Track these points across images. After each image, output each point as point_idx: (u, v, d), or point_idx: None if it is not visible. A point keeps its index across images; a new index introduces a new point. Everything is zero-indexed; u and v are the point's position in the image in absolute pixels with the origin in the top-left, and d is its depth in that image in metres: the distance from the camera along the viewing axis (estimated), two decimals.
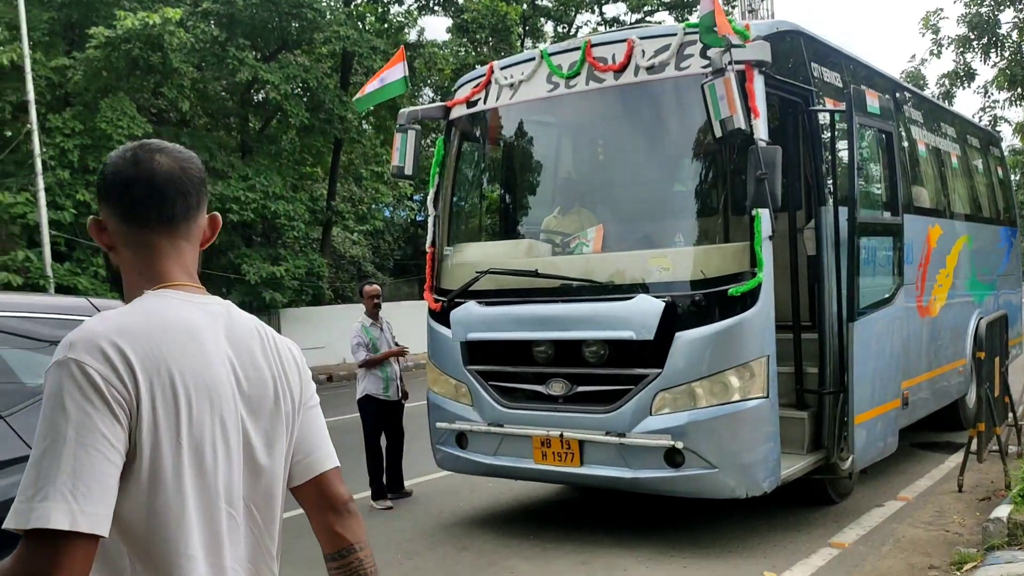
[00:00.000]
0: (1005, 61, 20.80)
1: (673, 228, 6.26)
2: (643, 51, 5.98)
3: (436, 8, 26.38)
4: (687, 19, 5.85)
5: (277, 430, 1.60)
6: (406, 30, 24.16)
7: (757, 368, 5.60)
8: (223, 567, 1.48)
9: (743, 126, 5.24)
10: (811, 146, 6.51)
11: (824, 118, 6.53)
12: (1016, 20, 20.25)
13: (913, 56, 37.59)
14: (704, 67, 5.55)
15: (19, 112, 17.30)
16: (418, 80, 24.72)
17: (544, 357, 6.23)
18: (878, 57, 71.70)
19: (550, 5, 29.81)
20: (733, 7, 25.18)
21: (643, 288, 5.84)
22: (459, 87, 7.13)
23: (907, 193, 7.87)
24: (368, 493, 7.57)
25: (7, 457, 2.50)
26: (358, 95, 7.56)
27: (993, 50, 20.79)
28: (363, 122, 23.40)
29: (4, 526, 1.30)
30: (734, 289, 5.56)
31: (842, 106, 6.39)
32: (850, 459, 6.43)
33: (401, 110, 7.07)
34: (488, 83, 6.78)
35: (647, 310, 5.68)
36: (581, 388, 6.05)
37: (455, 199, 7.31)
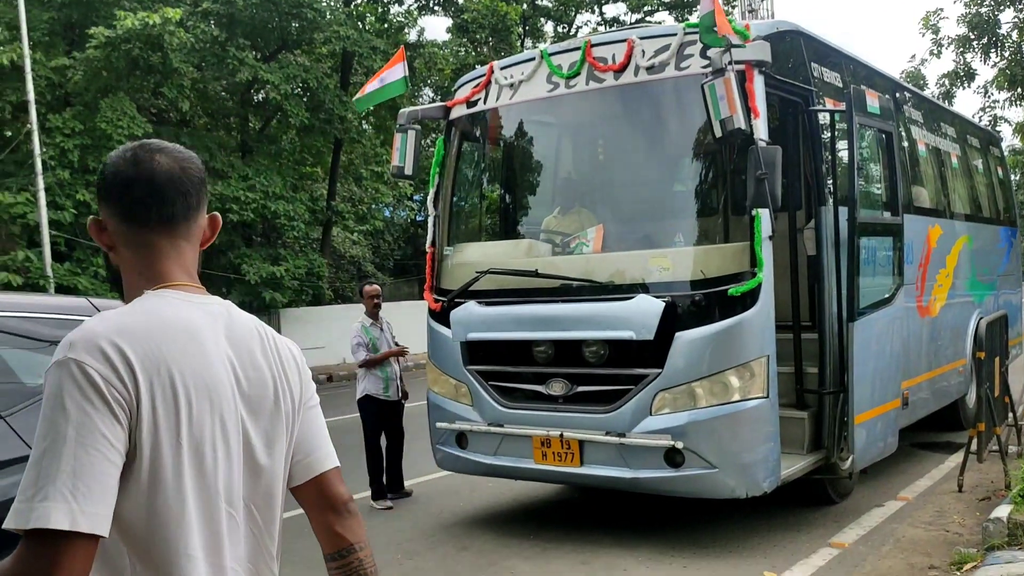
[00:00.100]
0: (1005, 61, 20.79)
1: (673, 228, 6.26)
2: (643, 51, 5.98)
3: (436, 8, 26.38)
4: (687, 19, 5.85)
5: (277, 430, 1.60)
6: (406, 30, 24.16)
7: (757, 368, 5.60)
8: (223, 567, 1.48)
9: (743, 126, 5.24)
10: (811, 146, 6.51)
11: (824, 118, 6.53)
12: (1016, 20, 20.24)
13: (913, 56, 37.56)
14: (704, 67, 5.55)
15: (19, 112, 17.30)
16: (418, 80, 24.72)
17: (544, 357, 6.23)
18: (878, 57, 71.73)
19: (550, 5, 29.81)
20: (733, 7, 25.18)
21: (643, 288, 5.84)
22: (459, 87, 7.13)
23: (907, 193, 7.87)
24: (368, 493, 7.58)
25: (7, 457, 2.50)
26: (358, 95, 7.56)
27: (993, 50, 20.79)
28: (363, 122, 23.40)
29: (4, 526, 1.30)
30: (734, 289, 5.56)
31: (842, 106, 6.39)
32: (850, 459, 6.43)
33: (401, 110, 7.07)
34: (488, 83, 6.78)
35: (647, 310, 5.68)
36: (581, 388, 6.05)
37: (455, 199, 7.31)
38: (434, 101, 21.65)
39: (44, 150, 16.59)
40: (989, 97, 22.72)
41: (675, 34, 5.93)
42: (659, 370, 5.71)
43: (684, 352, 5.65)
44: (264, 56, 21.52)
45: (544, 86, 6.48)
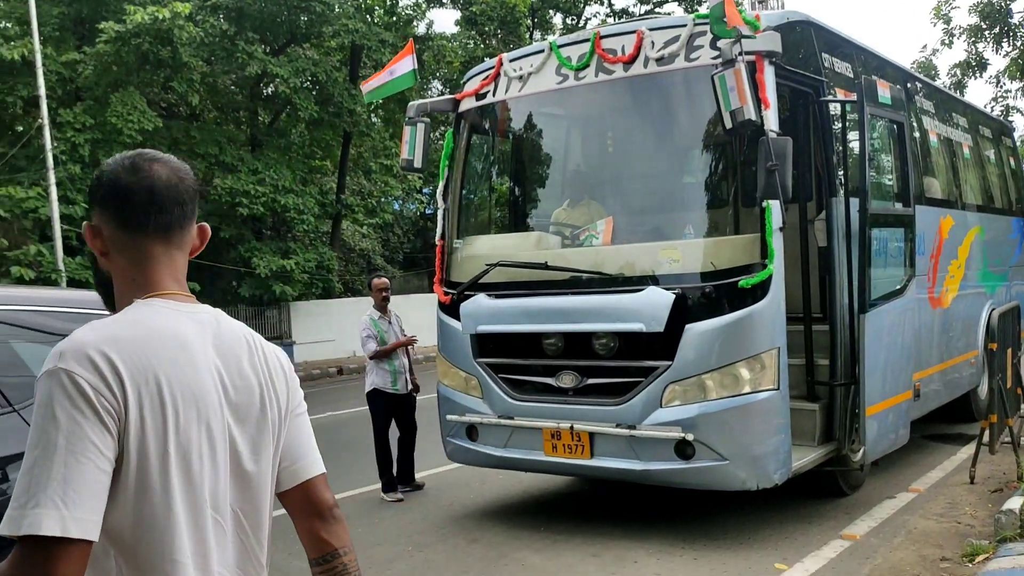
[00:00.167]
0: (1017, 50, 20.65)
1: (683, 220, 6.24)
2: (652, 42, 5.95)
3: (444, 1, 26.35)
4: (697, 10, 5.82)
5: (264, 438, 1.63)
6: (415, 23, 24.15)
7: (768, 360, 5.59)
8: (210, 572, 1.52)
9: (753, 117, 5.21)
10: (822, 137, 6.48)
11: (835, 109, 6.50)
12: None
13: (924, 46, 37.39)
14: (714, 58, 5.52)
15: (30, 107, 17.37)
16: (427, 73, 24.69)
17: (554, 349, 6.23)
18: (889, 47, 71.29)
19: None
20: None
21: (653, 280, 5.83)
22: (468, 80, 7.12)
23: (919, 184, 7.83)
24: (379, 485, 7.61)
25: (21, 450, 2.51)
26: (366, 86, 7.54)
27: (1005, 39, 20.66)
28: (372, 115, 23.43)
29: (0, 532, 1.34)
30: (745, 281, 5.55)
31: (853, 96, 6.36)
32: (861, 451, 6.41)
33: (410, 103, 7.06)
34: (497, 75, 6.77)
35: (657, 302, 5.68)
36: (591, 380, 6.05)
37: (464, 192, 7.30)
38: (443, 94, 21.65)
39: (55, 145, 16.66)
40: (1001, 87, 22.61)
41: (685, 25, 5.90)
42: (669, 362, 5.70)
43: (694, 344, 5.64)
44: (273, 50, 21.55)
45: (553, 78, 6.46)
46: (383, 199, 26.48)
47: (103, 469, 1.37)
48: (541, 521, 6.58)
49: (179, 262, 1.63)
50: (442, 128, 17.85)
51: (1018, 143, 14.52)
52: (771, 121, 5.47)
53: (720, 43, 5.39)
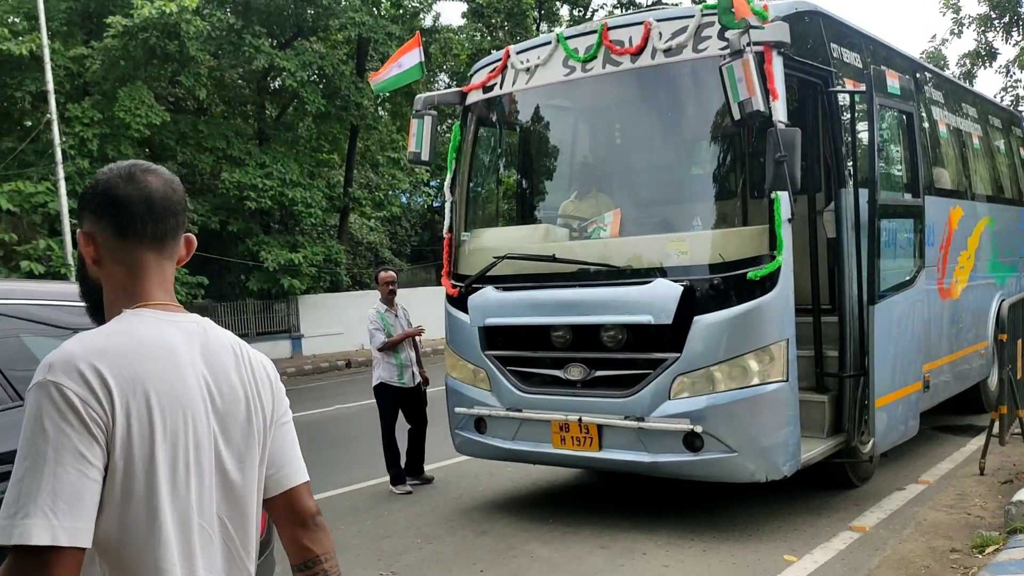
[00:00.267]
0: None
1: (691, 212, 6.23)
2: (660, 33, 5.93)
3: None
4: (704, 1, 5.77)
5: (250, 447, 1.65)
6: (421, 15, 24.10)
7: (777, 352, 5.58)
8: None
9: (762, 108, 5.19)
10: (831, 127, 6.44)
11: (844, 99, 6.46)
12: None
13: (934, 36, 37.20)
14: (722, 49, 5.49)
15: (39, 102, 17.44)
16: (434, 66, 24.68)
17: (562, 342, 6.22)
18: (898, 37, 70.92)
19: None
20: None
21: (661, 272, 5.82)
22: (475, 72, 7.11)
23: (928, 174, 7.79)
24: (388, 478, 7.63)
25: None
26: (375, 78, 7.52)
27: (1015, 29, 20.55)
28: (379, 108, 23.42)
29: None
30: (753, 272, 5.53)
31: (862, 87, 6.33)
32: (871, 442, 6.40)
33: (417, 96, 7.06)
34: (504, 68, 6.76)
35: (665, 294, 5.66)
36: (599, 372, 6.04)
37: (472, 185, 7.30)
38: (450, 87, 21.62)
39: (64, 139, 16.72)
40: (1011, 76, 22.49)
41: (692, 16, 5.87)
42: (678, 354, 5.69)
43: (703, 336, 5.63)
44: (280, 43, 21.56)
45: (560, 70, 6.45)
46: (390, 192, 26.49)
47: (93, 478, 1.40)
48: (549, 513, 6.59)
49: (168, 272, 1.67)
50: (449, 121, 17.83)
51: None
52: (780, 112, 5.45)
53: (728, 34, 5.36)
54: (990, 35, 20.93)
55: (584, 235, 6.52)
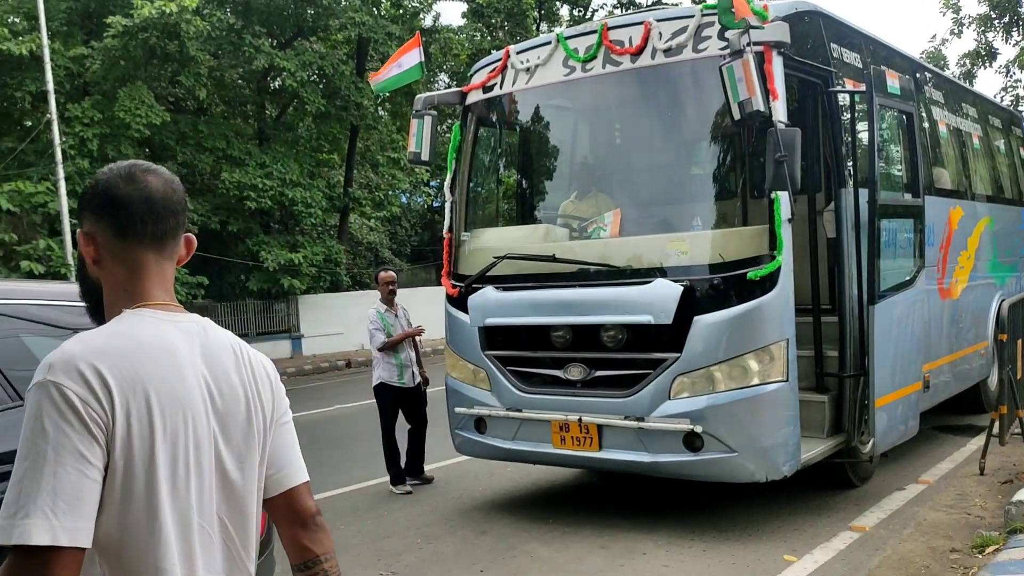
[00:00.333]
0: None
1: (691, 212, 6.23)
2: (660, 33, 5.93)
3: None
4: (704, 1, 5.77)
5: (250, 447, 1.65)
6: (421, 15, 24.10)
7: (777, 352, 5.58)
8: None
9: (762, 108, 5.19)
10: (831, 127, 6.44)
11: (844, 99, 6.46)
12: None
13: (934, 36, 37.22)
14: (722, 49, 5.49)
15: (39, 102, 17.44)
16: (434, 66, 24.68)
17: (562, 342, 6.22)
18: (898, 37, 70.90)
19: None
20: None
21: (661, 272, 5.82)
22: (475, 72, 7.11)
23: (928, 174, 7.79)
24: (387, 479, 7.62)
25: None
26: (375, 78, 7.52)
27: (1015, 29, 20.55)
28: (379, 108, 23.42)
29: None
30: (753, 272, 5.53)
31: (862, 87, 6.33)
32: (871, 442, 6.40)
33: (417, 96, 7.06)
34: (504, 68, 6.76)
35: (665, 294, 5.66)
36: (599, 372, 6.04)
37: (472, 184, 7.30)
38: (450, 87, 21.62)
39: (64, 139, 16.72)
40: (1011, 76, 22.49)
41: (692, 16, 5.87)
42: (678, 354, 5.69)
43: (703, 336, 5.63)
44: (280, 43, 21.56)
45: (560, 70, 6.45)
46: (390, 192, 26.50)
47: (93, 478, 1.40)
48: (549, 513, 6.59)
49: (168, 272, 1.67)
50: (449, 121, 17.84)
51: None
52: (780, 112, 5.45)
53: (728, 33, 5.36)
54: (990, 35, 20.94)
55: (584, 235, 6.52)
